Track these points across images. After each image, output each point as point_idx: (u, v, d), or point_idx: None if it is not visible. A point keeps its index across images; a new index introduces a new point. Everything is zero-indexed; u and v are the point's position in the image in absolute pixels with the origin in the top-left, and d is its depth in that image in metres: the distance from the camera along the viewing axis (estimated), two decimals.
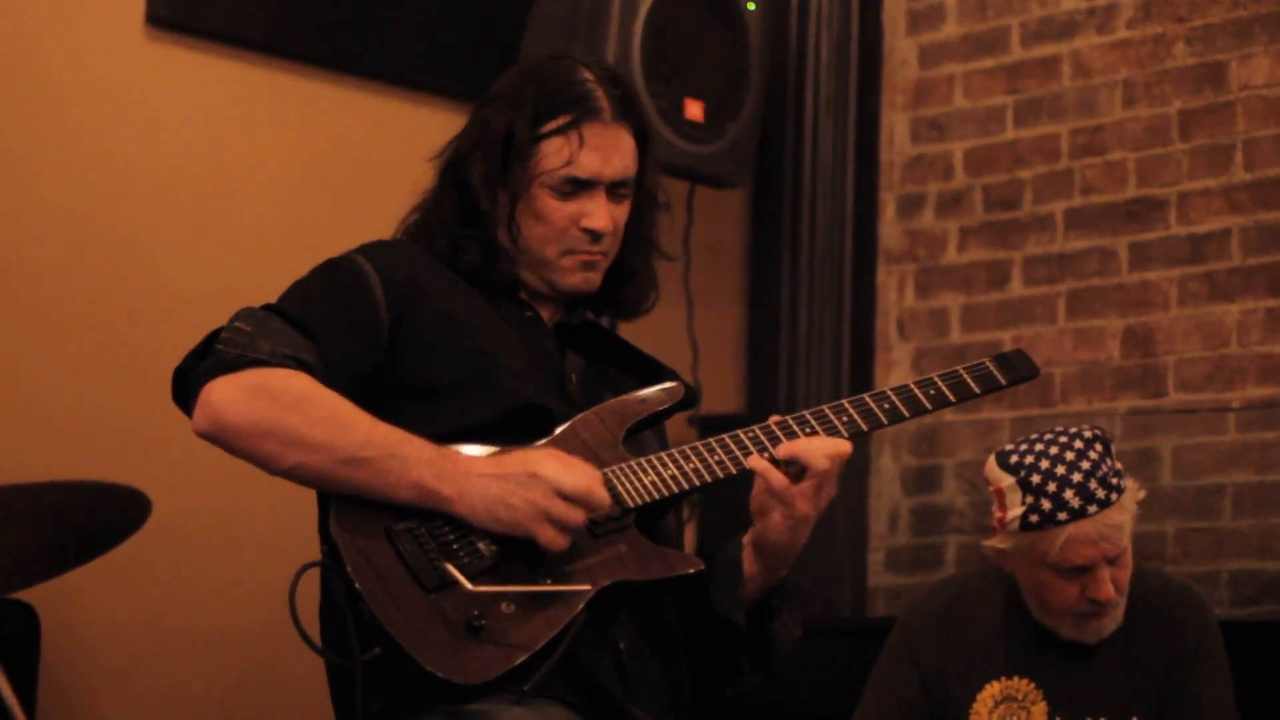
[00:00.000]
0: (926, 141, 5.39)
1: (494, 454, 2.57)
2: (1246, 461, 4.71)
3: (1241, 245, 4.77)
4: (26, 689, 3.70)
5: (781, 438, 2.67)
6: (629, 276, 2.86)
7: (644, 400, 2.73)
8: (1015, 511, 3.46)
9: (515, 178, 2.75)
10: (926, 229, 5.36)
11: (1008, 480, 3.48)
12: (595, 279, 2.80)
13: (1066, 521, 3.43)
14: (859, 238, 5.47)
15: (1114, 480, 3.46)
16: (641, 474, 2.63)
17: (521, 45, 4.68)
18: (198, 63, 4.42)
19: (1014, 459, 3.49)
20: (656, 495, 2.62)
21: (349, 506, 2.54)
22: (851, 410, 2.70)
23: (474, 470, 2.54)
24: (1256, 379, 4.72)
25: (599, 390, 2.80)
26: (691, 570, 2.61)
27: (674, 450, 2.66)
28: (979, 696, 3.61)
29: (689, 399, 2.77)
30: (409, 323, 2.68)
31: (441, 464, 2.53)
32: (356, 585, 2.47)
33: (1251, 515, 4.68)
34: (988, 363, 2.79)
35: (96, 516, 3.42)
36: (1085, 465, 3.44)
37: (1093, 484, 3.43)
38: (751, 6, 5.00)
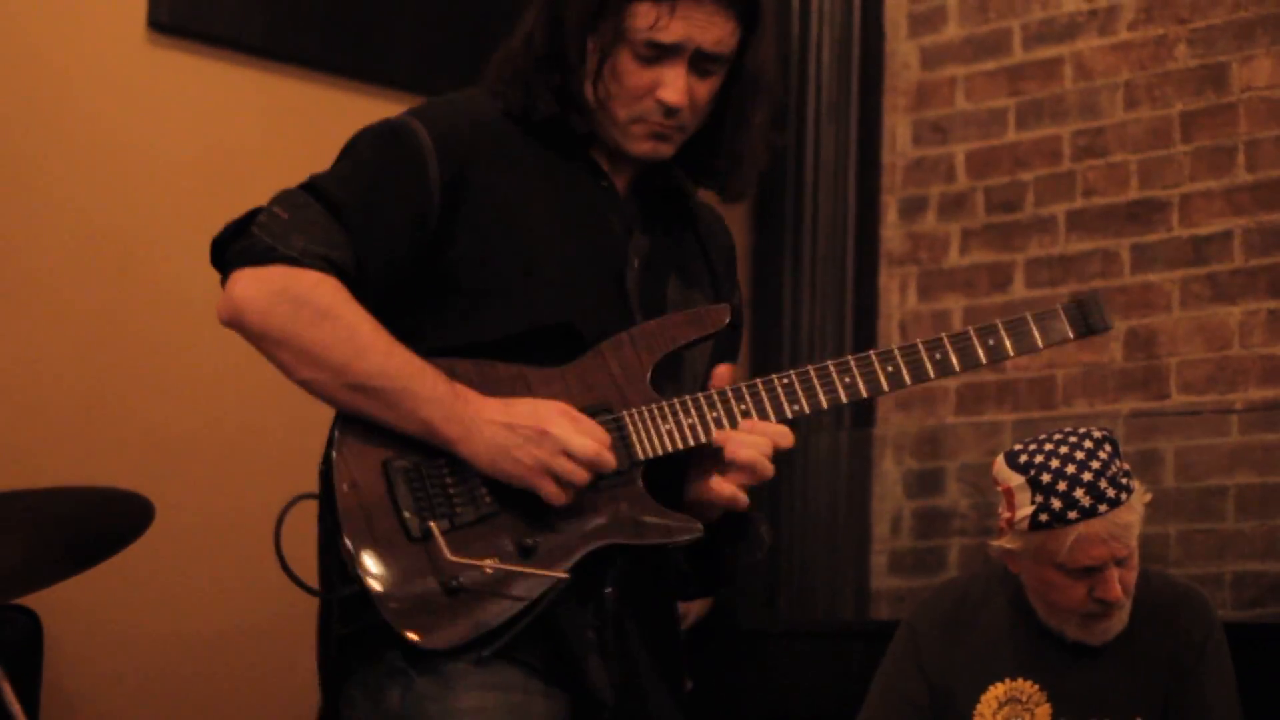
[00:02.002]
0: (928, 144, 5.39)
1: (505, 400, 2.51)
2: (1249, 463, 4.71)
3: (1243, 247, 4.77)
4: (29, 694, 3.70)
5: (818, 388, 2.59)
6: (727, 154, 2.74)
7: (683, 325, 2.63)
8: (1025, 511, 3.46)
9: (605, 29, 2.64)
10: (928, 231, 5.36)
11: (1017, 480, 3.47)
12: (665, 149, 2.68)
13: (1077, 520, 3.42)
14: (861, 240, 5.47)
15: (1124, 480, 3.46)
16: (660, 421, 2.56)
17: None
18: (199, 67, 4.42)
19: (1024, 458, 3.48)
20: (670, 448, 2.56)
21: (353, 432, 2.52)
22: (899, 358, 2.61)
23: (483, 415, 2.49)
24: (1259, 380, 4.72)
25: (663, 276, 2.71)
26: (688, 537, 2.55)
27: (700, 396, 2.58)
28: (983, 698, 3.61)
29: (735, 320, 2.68)
30: (462, 203, 2.60)
31: (452, 404, 2.49)
32: (340, 524, 2.46)
33: (1254, 517, 4.68)
34: (1059, 310, 2.65)
35: (99, 522, 3.41)
36: (1095, 465, 3.44)
37: (1103, 483, 3.43)
38: None
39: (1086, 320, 2.67)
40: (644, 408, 2.57)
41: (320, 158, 4.57)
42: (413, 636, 2.43)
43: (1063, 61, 5.14)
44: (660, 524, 2.55)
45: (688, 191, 2.79)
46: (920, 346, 2.62)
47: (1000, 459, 3.53)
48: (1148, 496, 3.55)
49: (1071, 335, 2.66)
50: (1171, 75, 4.94)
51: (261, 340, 2.53)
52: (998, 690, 3.60)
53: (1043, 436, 3.53)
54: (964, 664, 3.65)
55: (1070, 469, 3.44)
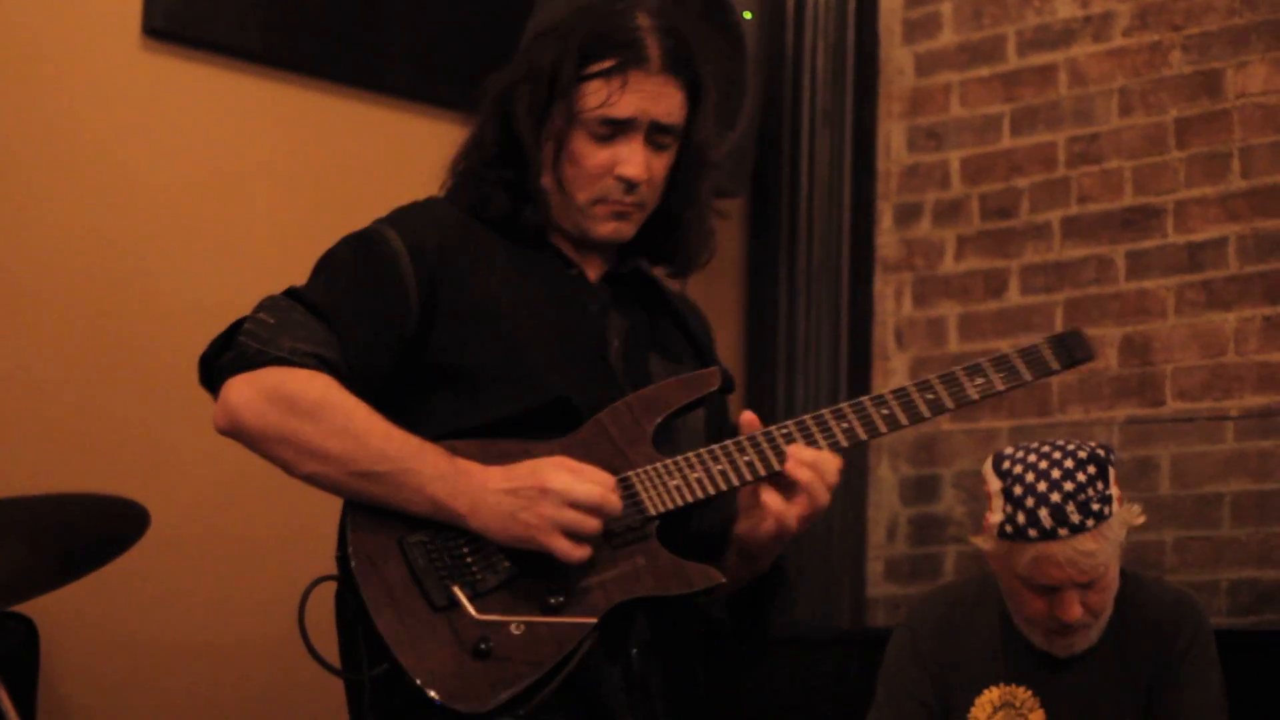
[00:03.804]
0: (923, 150, 5.39)
1: (506, 466, 2.53)
2: (1244, 470, 4.70)
3: (1239, 253, 4.77)
4: (26, 702, 3.70)
5: (817, 434, 2.62)
6: (680, 230, 2.77)
7: (677, 389, 2.67)
8: (996, 517, 3.48)
9: (557, 115, 2.66)
10: (923, 238, 5.36)
11: (996, 485, 3.49)
12: (627, 229, 2.71)
13: (1036, 539, 3.42)
14: (856, 247, 5.47)
15: (1096, 506, 3.43)
16: (667, 477, 2.58)
17: None
18: (195, 74, 4.42)
19: (1006, 465, 3.49)
20: (680, 501, 2.58)
21: (365, 515, 2.53)
22: (894, 403, 2.64)
23: (487, 485, 2.51)
24: (1254, 387, 4.72)
25: (643, 353, 2.74)
26: (708, 586, 2.57)
27: (702, 451, 2.61)
28: (977, 701, 3.62)
29: (726, 385, 2.71)
30: (440, 301, 2.63)
31: (455, 479, 2.51)
32: (365, 602, 2.47)
33: (1250, 524, 4.67)
34: (1041, 346, 2.69)
35: (95, 529, 3.41)
36: (1068, 486, 3.42)
37: (1070, 506, 3.41)
38: (748, 16, 5.00)
39: (1070, 353, 2.70)
40: (649, 467, 2.59)
41: (316, 165, 4.61)
42: (449, 702, 2.43)
43: (1057, 68, 5.15)
44: (679, 575, 2.57)
45: (655, 276, 2.83)
46: (911, 389, 2.65)
47: (990, 459, 3.55)
48: (1139, 519, 3.52)
49: (1057, 366, 2.70)
50: (1166, 82, 4.94)
51: (261, 441, 2.54)
52: (992, 695, 3.61)
53: (1034, 445, 3.52)
54: (958, 667, 3.66)
55: (1042, 486, 3.43)
